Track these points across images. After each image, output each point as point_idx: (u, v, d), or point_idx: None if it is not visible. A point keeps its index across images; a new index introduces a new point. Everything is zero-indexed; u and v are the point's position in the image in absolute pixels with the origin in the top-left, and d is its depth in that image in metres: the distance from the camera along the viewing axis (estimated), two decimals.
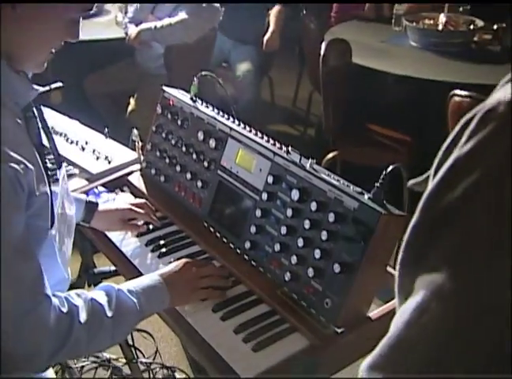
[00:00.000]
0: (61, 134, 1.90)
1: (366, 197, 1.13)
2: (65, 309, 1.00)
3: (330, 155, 2.91)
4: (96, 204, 1.42)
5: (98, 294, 1.08)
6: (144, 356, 2.22)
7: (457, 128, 0.42)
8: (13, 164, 0.94)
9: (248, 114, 3.56)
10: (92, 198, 1.45)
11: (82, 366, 2.16)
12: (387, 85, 3.08)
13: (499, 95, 0.40)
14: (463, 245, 0.38)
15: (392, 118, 2.90)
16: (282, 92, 4.41)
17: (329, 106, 2.86)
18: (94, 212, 1.41)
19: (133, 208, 1.44)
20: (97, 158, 1.77)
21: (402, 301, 0.41)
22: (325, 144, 3.06)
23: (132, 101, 3.22)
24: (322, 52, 2.71)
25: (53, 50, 1.06)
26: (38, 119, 1.10)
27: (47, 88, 1.14)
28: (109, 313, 1.05)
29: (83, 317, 1.01)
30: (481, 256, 0.36)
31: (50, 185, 1.05)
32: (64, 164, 1.18)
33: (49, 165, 1.06)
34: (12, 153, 0.95)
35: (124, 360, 2.07)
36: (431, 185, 0.41)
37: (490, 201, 0.37)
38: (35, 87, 1.07)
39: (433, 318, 0.36)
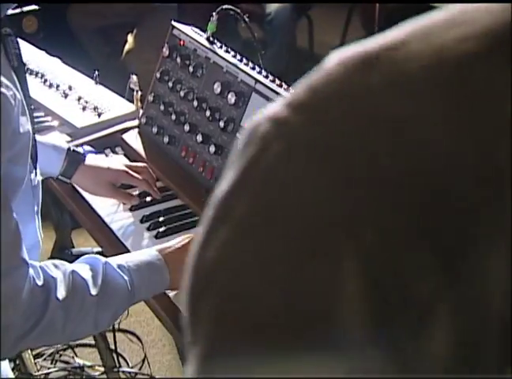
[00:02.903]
0: (36, 74, 1.94)
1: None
2: (40, 281, 1.04)
3: None
4: (83, 155, 1.47)
5: (80, 267, 1.12)
6: (128, 364, 2.30)
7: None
8: (2, 89, 0.96)
9: (278, 65, 3.57)
10: (76, 147, 1.50)
11: (47, 374, 2.23)
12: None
13: (269, 107, 0.39)
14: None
15: None
16: (324, 38, 4.38)
17: None
18: (78, 165, 1.45)
19: (130, 171, 1.49)
20: (83, 108, 1.82)
21: None
22: None
23: (130, 39, 3.26)
24: None
25: None
26: (15, 39, 1.13)
27: (18, 10, 1.15)
28: (93, 291, 1.09)
29: (61, 292, 1.05)
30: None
31: (33, 123, 1.09)
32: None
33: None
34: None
35: (102, 368, 2.15)
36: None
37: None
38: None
39: None
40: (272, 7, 3.63)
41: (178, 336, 1.27)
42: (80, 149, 1.50)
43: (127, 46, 3.26)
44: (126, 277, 1.14)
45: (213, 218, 0.39)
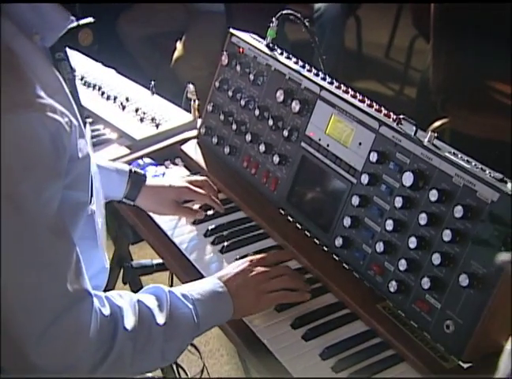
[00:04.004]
0: (94, 86, 1.93)
1: (509, 186, 1.09)
2: (106, 311, 1.01)
3: (437, 124, 2.84)
4: (144, 176, 1.44)
5: (145, 296, 1.09)
6: (187, 375, 2.27)
7: None
8: (56, 116, 0.93)
9: (327, 64, 3.50)
10: (138, 169, 1.48)
11: None
12: None
13: None
14: None
15: None
16: (372, 38, 4.32)
17: (441, 56, 2.78)
18: (141, 187, 1.43)
19: (191, 186, 1.45)
20: (141, 119, 1.80)
21: None
22: (429, 108, 2.98)
23: (178, 45, 3.24)
24: None
25: None
26: (68, 63, 1.11)
27: (75, 23, 1.14)
28: (159, 320, 1.06)
29: (128, 322, 1.02)
30: None
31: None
32: (88, 121, 1.16)
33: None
34: (53, 101, 0.93)
35: None
36: None
37: None
38: (71, 16, 1.05)
39: None
40: (320, 3, 3.57)
41: (242, 347, 1.23)
42: (140, 170, 1.47)
43: (176, 54, 3.25)
44: (190, 306, 1.11)
45: None
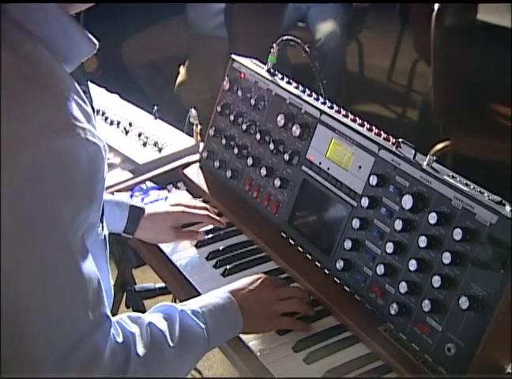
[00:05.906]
0: (97, 112, 1.95)
1: (508, 208, 1.10)
2: (119, 338, 1.00)
3: (439, 147, 2.85)
4: (142, 209, 1.44)
5: (156, 317, 1.09)
6: None
7: None
8: (95, 140, 0.91)
9: (329, 90, 3.53)
10: (136, 201, 1.48)
11: None
12: None
13: None
14: None
15: None
16: (374, 61, 4.35)
17: (442, 80, 2.80)
18: (139, 220, 1.43)
19: (188, 209, 1.46)
20: (144, 144, 1.82)
21: None
22: (431, 130, 3.00)
23: (182, 70, 3.28)
24: (436, 6, 2.66)
25: None
26: (90, 96, 1.12)
27: None
28: (171, 343, 1.05)
29: (140, 348, 1.01)
30: None
31: None
32: None
33: None
34: (90, 125, 0.92)
35: None
36: None
37: None
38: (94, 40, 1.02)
39: None
40: (321, 33, 3.60)
41: (245, 371, 1.23)
42: (139, 203, 1.48)
43: (180, 78, 3.28)
44: (202, 325, 1.11)
45: None
